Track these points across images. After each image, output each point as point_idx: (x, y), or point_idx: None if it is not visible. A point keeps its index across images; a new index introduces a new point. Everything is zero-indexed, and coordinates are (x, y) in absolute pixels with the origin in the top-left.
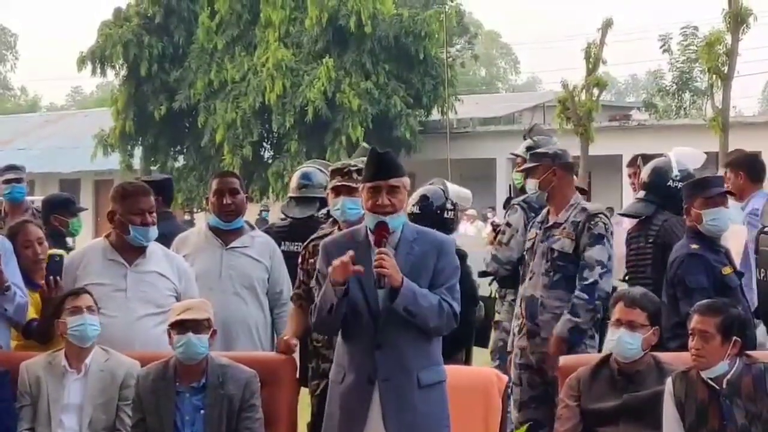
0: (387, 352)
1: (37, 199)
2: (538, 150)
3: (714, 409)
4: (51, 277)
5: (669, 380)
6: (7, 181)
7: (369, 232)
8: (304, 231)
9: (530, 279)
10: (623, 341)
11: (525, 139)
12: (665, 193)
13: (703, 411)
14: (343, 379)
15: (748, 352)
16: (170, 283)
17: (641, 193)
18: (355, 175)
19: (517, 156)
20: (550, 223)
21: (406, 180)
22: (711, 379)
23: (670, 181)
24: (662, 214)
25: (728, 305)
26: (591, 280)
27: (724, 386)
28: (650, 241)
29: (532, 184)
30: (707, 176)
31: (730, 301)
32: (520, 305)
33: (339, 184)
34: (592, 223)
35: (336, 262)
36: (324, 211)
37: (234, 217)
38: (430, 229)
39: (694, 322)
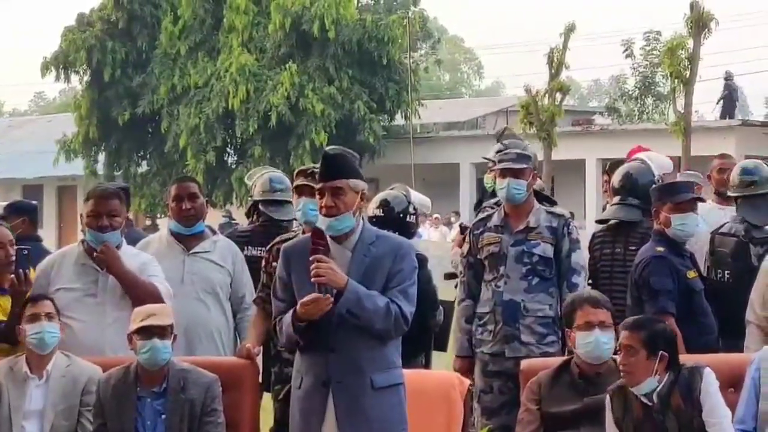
0: (341, 355)
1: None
2: (525, 152)
3: (649, 425)
4: (20, 270)
5: (607, 397)
6: None
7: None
8: (267, 235)
9: (506, 284)
10: (601, 342)
11: (498, 142)
12: (648, 198)
13: (639, 428)
14: (300, 384)
15: (682, 362)
16: None
17: (616, 198)
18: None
19: (489, 160)
20: (521, 227)
21: (355, 182)
22: (643, 395)
23: (653, 185)
24: (647, 222)
25: (654, 321)
26: (581, 285)
27: (656, 401)
28: (631, 248)
29: (516, 184)
30: (678, 181)
31: (656, 317)
32: (493, 310)
33: (302, 183)
34: (570, 228)
35: (307, 299)
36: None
37: (194, 221)
38: (389, 233)
39: (621, 337)
